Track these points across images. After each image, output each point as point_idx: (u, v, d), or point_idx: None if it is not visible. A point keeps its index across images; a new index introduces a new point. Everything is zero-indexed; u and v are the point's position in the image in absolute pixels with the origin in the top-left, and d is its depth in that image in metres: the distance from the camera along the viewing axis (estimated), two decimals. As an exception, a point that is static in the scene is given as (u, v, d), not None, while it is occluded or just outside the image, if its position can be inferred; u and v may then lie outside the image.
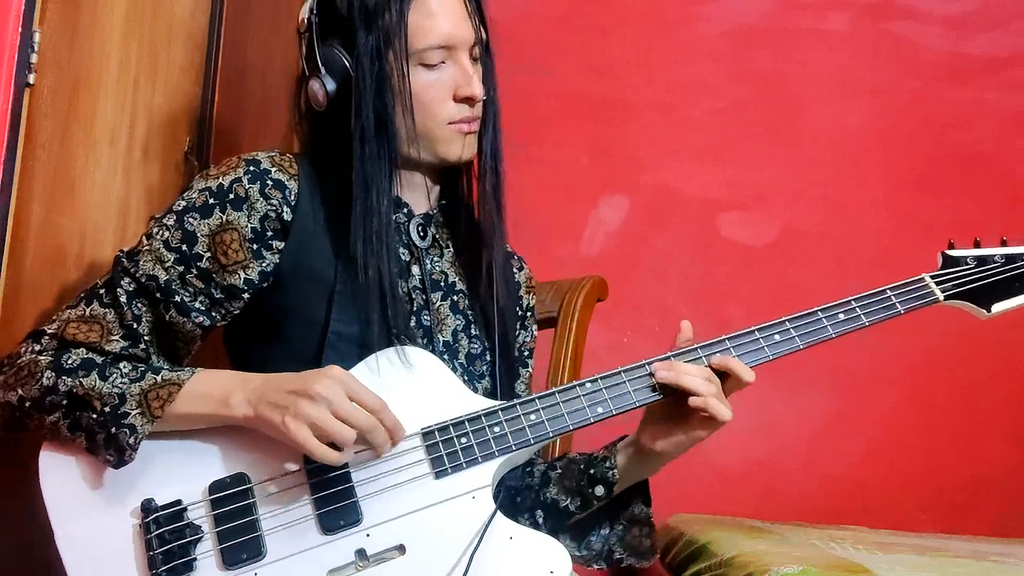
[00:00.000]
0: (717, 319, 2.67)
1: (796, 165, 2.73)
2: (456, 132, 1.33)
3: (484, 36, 1.36)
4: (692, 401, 1.23)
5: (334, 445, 1.14)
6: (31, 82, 1.27)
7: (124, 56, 1.50)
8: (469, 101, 1.32)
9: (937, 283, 1.33)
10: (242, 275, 1.27)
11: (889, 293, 1.31)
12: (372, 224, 1.28)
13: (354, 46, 1.29)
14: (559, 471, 1.40)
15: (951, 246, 1.37)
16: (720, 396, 1.25)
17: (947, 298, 1.33)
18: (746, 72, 2.76)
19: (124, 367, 1.20)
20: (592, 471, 1.35)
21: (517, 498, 1.42)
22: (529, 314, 1.52)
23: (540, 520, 1.39)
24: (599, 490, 1.34)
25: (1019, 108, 2.71)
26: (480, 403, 1.25)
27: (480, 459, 1.20)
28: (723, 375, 1.26)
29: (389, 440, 1.16)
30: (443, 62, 1.31)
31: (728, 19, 2.79)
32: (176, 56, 1.68)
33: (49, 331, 1.23)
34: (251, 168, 1.29)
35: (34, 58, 1.28)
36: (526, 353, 1.51)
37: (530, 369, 1.52)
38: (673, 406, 1.27)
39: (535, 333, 1.54)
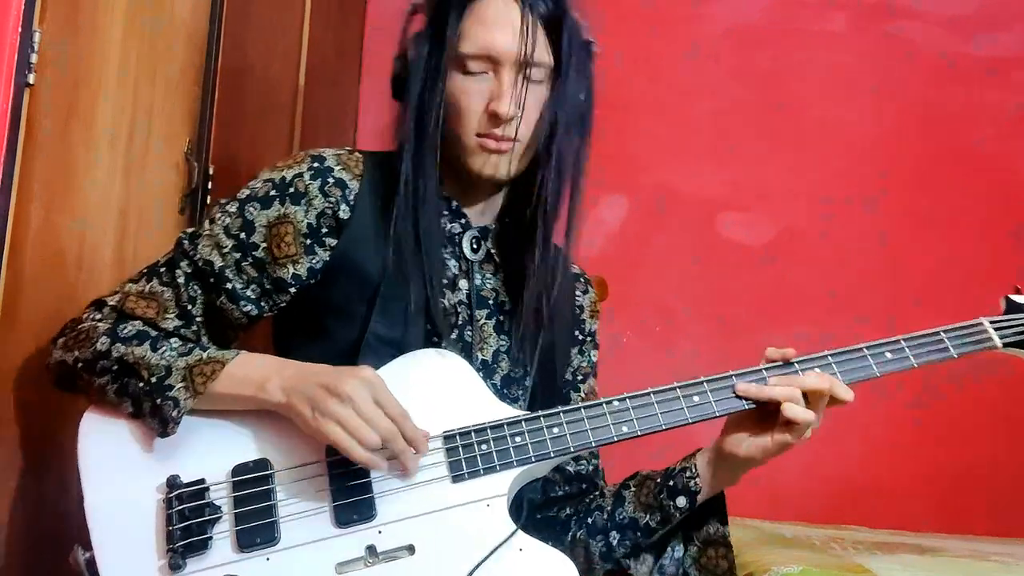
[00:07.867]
0: (716, 319, 2.67)
1: (796, 165, 2.73)
2: (480, 146, 1.28)
3: (549, 59, 1.28)
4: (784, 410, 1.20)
5: None
6: (31, 82, 1.27)
7: (124, 56, 1.50)
8: (496, 118, 1.27)
9: (996, 329, 1.26)
10: (291, 269, 1.28)
11: (942, 335, 1.25)
12: (417, 224, 1.26)
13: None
14: (633, 489, 1.35)
15: (1017, 291, 1.29)
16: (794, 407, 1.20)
17: (1006, 345, 1.25)
18: (746, 72, 2.76)
19: (175, 342, 1.23)
20: (672, 483, 1.30)
21: (588, 519, 1.36)
22: (589, 339, 1.48)
23: (614, 542, 1.33)
24: (681, 501, 1.29)
25: (1019, 108, 2.72)
26: (506, 412, 1.23)
27: (498, 467, 1.19)
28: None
29: (409, 450, 1.16)
30: (485, 72, 1.27)
31: (728, 19, 2.79)
32: (176, 56, 1.67)
33: (111, 302, 1.27)
34: (315, 164, 1.29)
35: (34, 58, 1.27)
36: (579, 378, 1.45)
37: (582, 394, 1.45)
38: (759, 411, 1.23)
39: (593, 359, 1.48)
